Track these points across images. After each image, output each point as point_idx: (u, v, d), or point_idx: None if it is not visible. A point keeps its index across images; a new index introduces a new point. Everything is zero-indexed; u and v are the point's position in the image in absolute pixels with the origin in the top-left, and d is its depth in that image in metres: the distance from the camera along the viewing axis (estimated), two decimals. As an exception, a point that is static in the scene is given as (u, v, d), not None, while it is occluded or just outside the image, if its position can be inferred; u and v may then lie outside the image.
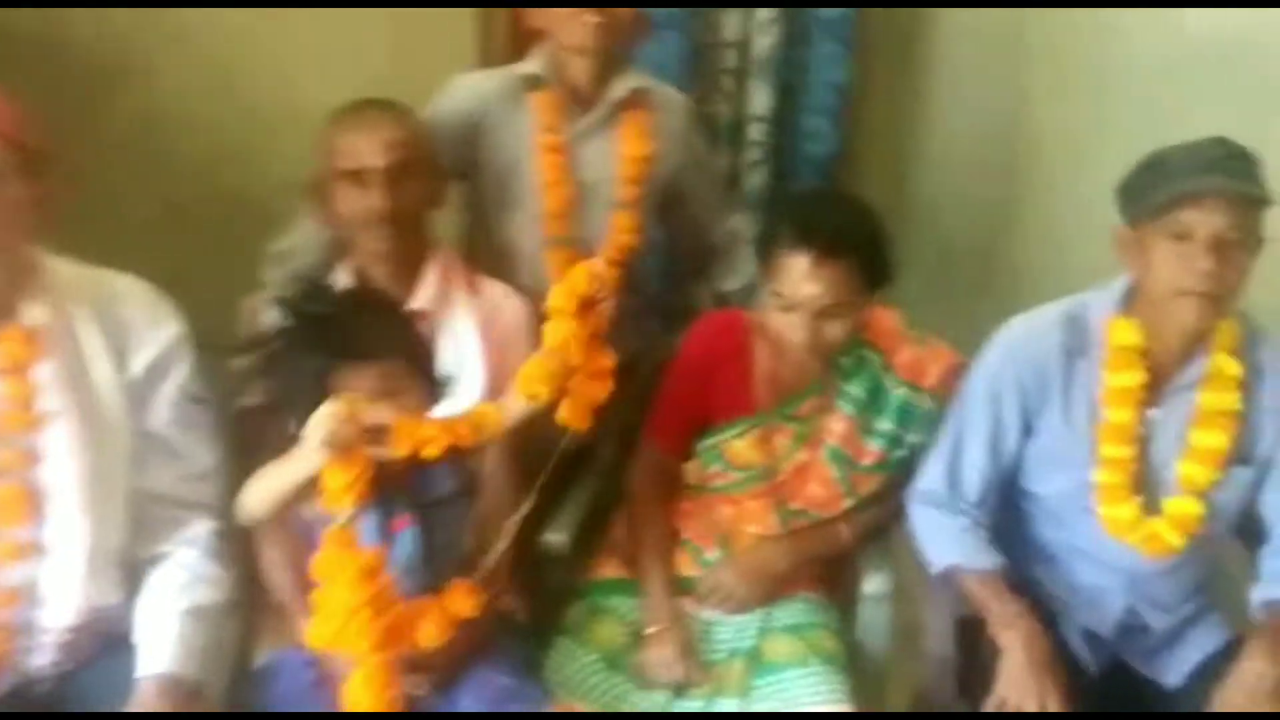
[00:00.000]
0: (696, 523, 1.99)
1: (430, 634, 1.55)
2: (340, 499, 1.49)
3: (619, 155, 2.08)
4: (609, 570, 1.97)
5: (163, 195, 2.54)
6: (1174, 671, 1.83)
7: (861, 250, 1.79)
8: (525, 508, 1.67)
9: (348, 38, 2.53)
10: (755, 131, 2.78)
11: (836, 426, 1.92)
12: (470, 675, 1.62)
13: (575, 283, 1.57)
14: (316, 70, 2.48)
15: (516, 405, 1.60)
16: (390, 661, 1.50)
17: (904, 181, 3.24)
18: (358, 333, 1.57)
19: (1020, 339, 1.83)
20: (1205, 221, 1.63)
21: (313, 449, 1.47)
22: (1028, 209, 2.81)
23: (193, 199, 2.55)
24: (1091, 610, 1.86)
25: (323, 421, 1.46)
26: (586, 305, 1.57)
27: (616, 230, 2.09)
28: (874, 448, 1.93)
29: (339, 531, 1.49)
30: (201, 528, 1.66)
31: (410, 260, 1.89)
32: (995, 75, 2.84)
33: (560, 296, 1.57)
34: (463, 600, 1.59)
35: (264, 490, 1.56)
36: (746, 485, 1.95)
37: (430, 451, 1.52)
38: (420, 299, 1.88)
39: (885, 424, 1.93)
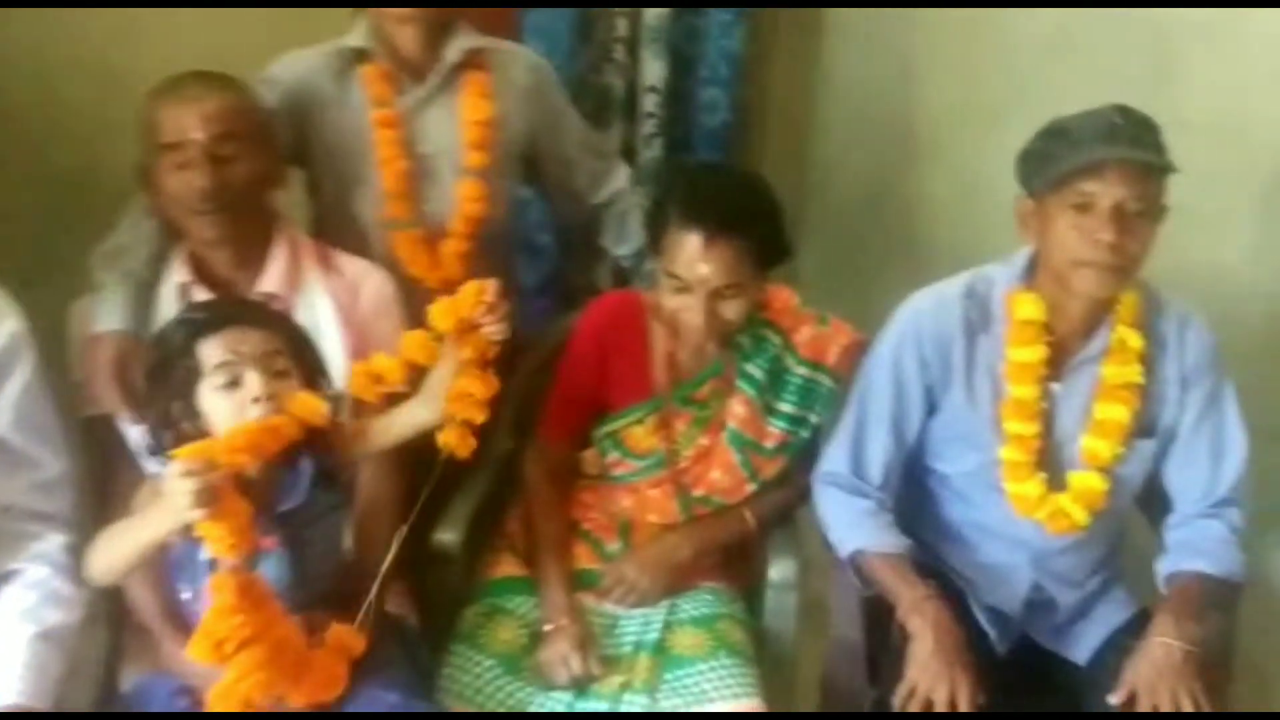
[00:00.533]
0: (596, 514, 1.91)
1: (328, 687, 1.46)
2: (230, 550, 1.36)
3: (460, 121, 1.97)
4: (505, 569, 1.87)
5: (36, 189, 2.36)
6: (1082, 647, 1.81)
7: (755, 228, 1.72)
8: (411, 518, 1.57)
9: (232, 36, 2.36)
10: (649, 103, 2.69)
11: (737, 409, 1.86)
12: (357, 692, 1.51)
13: (459, 303, 1.48)
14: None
15: (421, 414, 1.52)
16: (261, 681, 1.39)
17: (804, 153, 3.19)
18: (241, 306, 1.49)
19: (922, 315, 1.78)
20: (1106, 192, 1.59)
21: (179, 509, 1.34)
22: (930, 180, 2.77)
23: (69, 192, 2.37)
24: (998, 588, 1.82)
25: (181, 481, 1.33)
26: (468, 328, 1.48)
27: (464, 200, 1.97)
28: (776, 430, 1.87)
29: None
30: (53, 542, 1.54)
31: (252, 244, 1.75)
32: (895, 45, 2.79)
33: (440, 315, 1.47)
34: (347, 642, 1.50)
35: (115, 554, 1.45)
36: (647, 473, 1.87)
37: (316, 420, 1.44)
38: (267, 282, 1.75)
39: (787, 405, 1.87)
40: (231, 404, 1.45)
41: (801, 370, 1.86)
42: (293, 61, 1.96)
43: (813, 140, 3.14)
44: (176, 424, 1.46)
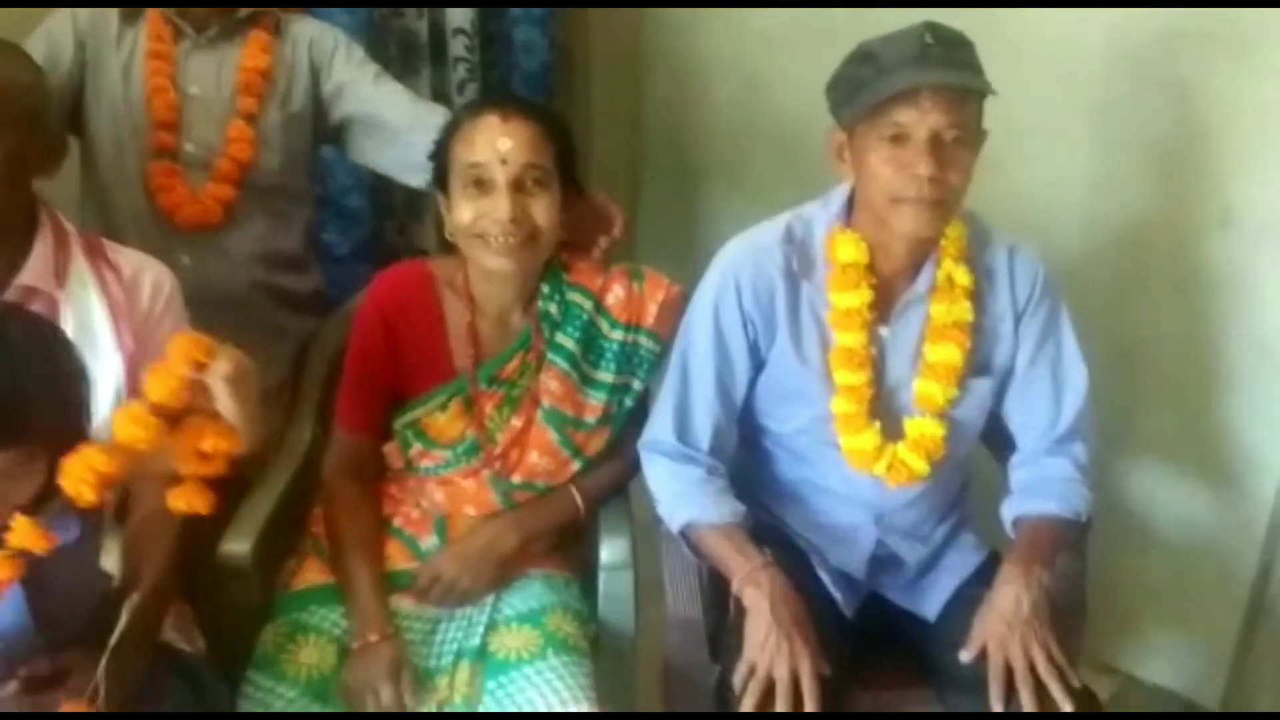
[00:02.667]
0: (407, 508, 1.74)
1: None
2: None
3: (236, 67, 1.94)
4: (308, 577, 1.68)
5: None
6: (932, 601, 1.71)
7: (551, 119, 1.65)
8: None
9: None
10: (458, 46, 2.50)
11: (551, 385, 1.70)
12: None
13: (170, 366, 1.29)
14: None
15: None
16: None
17: (637, 91, 3.03)
18: None
19: (740, 266, 1.64)
20: (921, 121, 1.47)
21: None
22: (763, 112, 2.64)
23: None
24: (841, 549, 1.72)
25: None
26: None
27: (231, 141, 1.93)
28: (596, 402, 1.73)
29: None
30: None
31: (10, 232, 1.53)
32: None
33: (153, 385, 1.29)
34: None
35: None
36: (457, 463, 1.71)
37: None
38: (29, 275, 1.53)
39: (605, 374, 1.73)
40: None
41: (617, 334, 1.72)
42: (78, 12, 1.91)
43: (646, 77, 2.99)
44: None
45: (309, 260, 2.13)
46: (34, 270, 1.54)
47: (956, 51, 1.50)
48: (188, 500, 1.32)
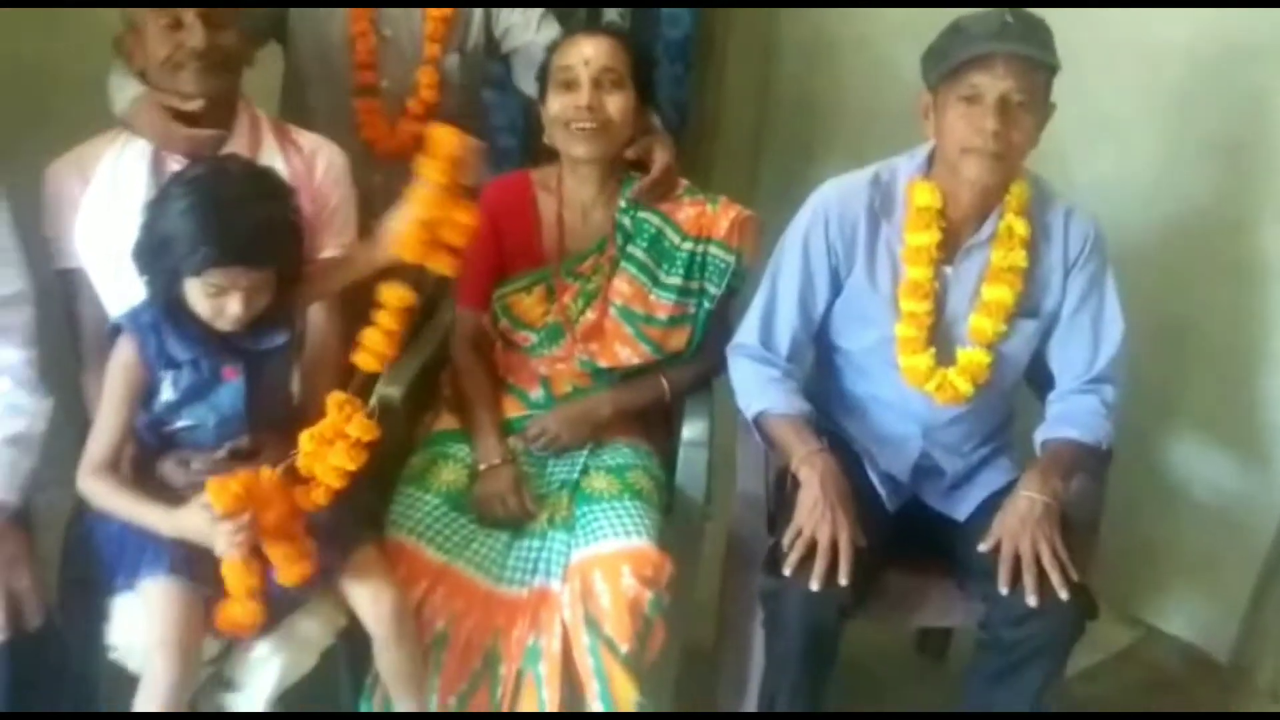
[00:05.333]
0: (518, 370, 2.08)
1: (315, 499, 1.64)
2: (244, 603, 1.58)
3: (424, 14, 2.24)
4: (444, 423, 2.05)
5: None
6: (963, 507, 1.99)
7: (625, 38, 1.99)
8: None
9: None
10: (611, 13, 2.80)
11: (621, 286, 2.03)
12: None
13: (443, 148, 1.62)
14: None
15: (379, 255, 1.69)
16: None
17: (765, 71, 3.32)
18: (237, 232, 1.57)
19: (830, 201, 1.93)
20: (993, 84, 1.74)
21: (186, 528, 1.55)
22: (882, 95, 2.89)
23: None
24: (891, 456, 2.00)
25: (217, 531, 1.52)
26: (455, 168, 1.64)
27: (422, 86, 2.24)
28: (666, 301, 2.03)
29: None
30: (14, 356, 1.70)
31: (222, 109, 1.88)
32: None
33: (430, 168, 1.63)
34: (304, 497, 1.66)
35: (110, 506, 1.63)
36: (544, 347, 2.04)
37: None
38: (233, 145, 1.89)
39: (674, 278, 2.03)
40: (210, 307, 1.60)
41: (686, 245, 2.03)
42: None
43: (778, 54, 3.27)
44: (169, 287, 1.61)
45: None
46: (236, 142, 1.89)
47: (1032, 31, 1.76)
48: (441, 259, 1.66)
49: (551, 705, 1.80)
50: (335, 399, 1.63)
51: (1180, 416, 2.44)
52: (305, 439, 1.61)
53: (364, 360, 1.70)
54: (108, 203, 1.81)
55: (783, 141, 3.25)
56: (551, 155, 2.08)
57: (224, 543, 1.54)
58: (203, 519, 1.53)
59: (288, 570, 1.59)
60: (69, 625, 1.63)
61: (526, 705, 1.82)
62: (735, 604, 2.01)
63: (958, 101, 1.77)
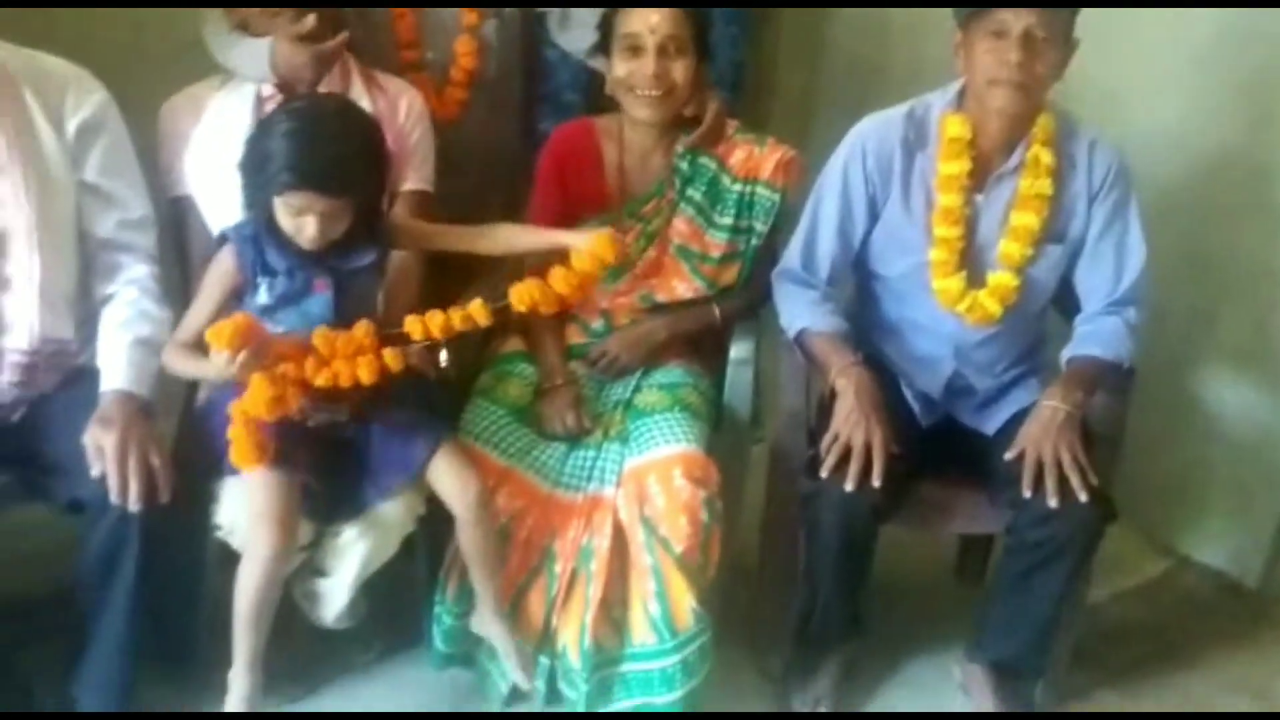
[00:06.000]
0: (582, 304, 2.22)
1: (364, 373, 1.80)
2: (267, 410, 1.73)
3: None
4: (511, 345, 2.24)
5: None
6: (992, 422, 2.13)
7: (692, 11, 2.09)
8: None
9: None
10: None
11: (680, 226, 2.19)
12: (383, 411, 1.88)
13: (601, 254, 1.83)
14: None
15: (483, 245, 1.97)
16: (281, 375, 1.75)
17: (817, 34, 3.46)
18: (324, 159, 1.74)
19: (868, 135, 2.08)
20: (1018, 19, 1.87)
21: (224, 369, 1.71)
22: (929, 45, 3.01)
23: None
24: (925, 375, 2.14)
25: (233, 352, 1.68)
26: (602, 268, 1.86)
27: (462, 53, 2.35)
28: (720, 240, 2.20)
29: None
30: (141, 270, 1.93)
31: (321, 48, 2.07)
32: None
33: (585, 260, 1.83)
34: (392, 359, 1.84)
35: (179, 369, 1.86)
36: (609, 282, 2.20)
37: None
38: (326, 84, 2.09)
39: (726, 218, 2.19)
40: (290, 225, 1.79)
41: (736, 187, 2.19)
42: None
43: (827, 18, 3.41)
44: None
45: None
46: (328, 84, 2.09)
47: (1059, -30, 1.90)
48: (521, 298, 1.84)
49: (596, 601, 1.97)
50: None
51: (1211, 349, 2.54)
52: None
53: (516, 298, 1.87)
54: (215, 138, 2.03)
55: (834, 100, 3.38)
56: (612, 103, 2.23)
57: (230, 370, 1.70)
58: (219, 359, 1.71)
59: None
60: (181, 506, 1.83)
61: (576, 602, 2.00)
62: (778, 514, 2.17)
63: (985, 36, 1.90)
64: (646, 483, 1.98)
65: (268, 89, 2.07)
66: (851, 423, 1.95)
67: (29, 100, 1.83)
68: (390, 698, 2.14)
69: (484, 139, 2.44)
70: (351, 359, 1.79)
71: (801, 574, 2.07)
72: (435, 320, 1.81)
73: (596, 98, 3.09)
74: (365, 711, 2.10)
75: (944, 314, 2.07)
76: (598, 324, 2.24)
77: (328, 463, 1.84)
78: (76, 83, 1.88)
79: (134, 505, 1.73)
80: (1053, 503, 1.90)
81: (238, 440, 1.77)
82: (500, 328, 2.28)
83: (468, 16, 2.36)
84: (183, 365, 1.87)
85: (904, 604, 2.43)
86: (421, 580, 2.07)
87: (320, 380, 1.78)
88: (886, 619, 2.30)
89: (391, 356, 1.81)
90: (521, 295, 1.84)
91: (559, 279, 1.83)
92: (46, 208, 1.83)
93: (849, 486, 1.91)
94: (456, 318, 1.82)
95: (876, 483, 1.91)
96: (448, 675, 2.15)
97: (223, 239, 1.86)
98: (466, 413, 2.07)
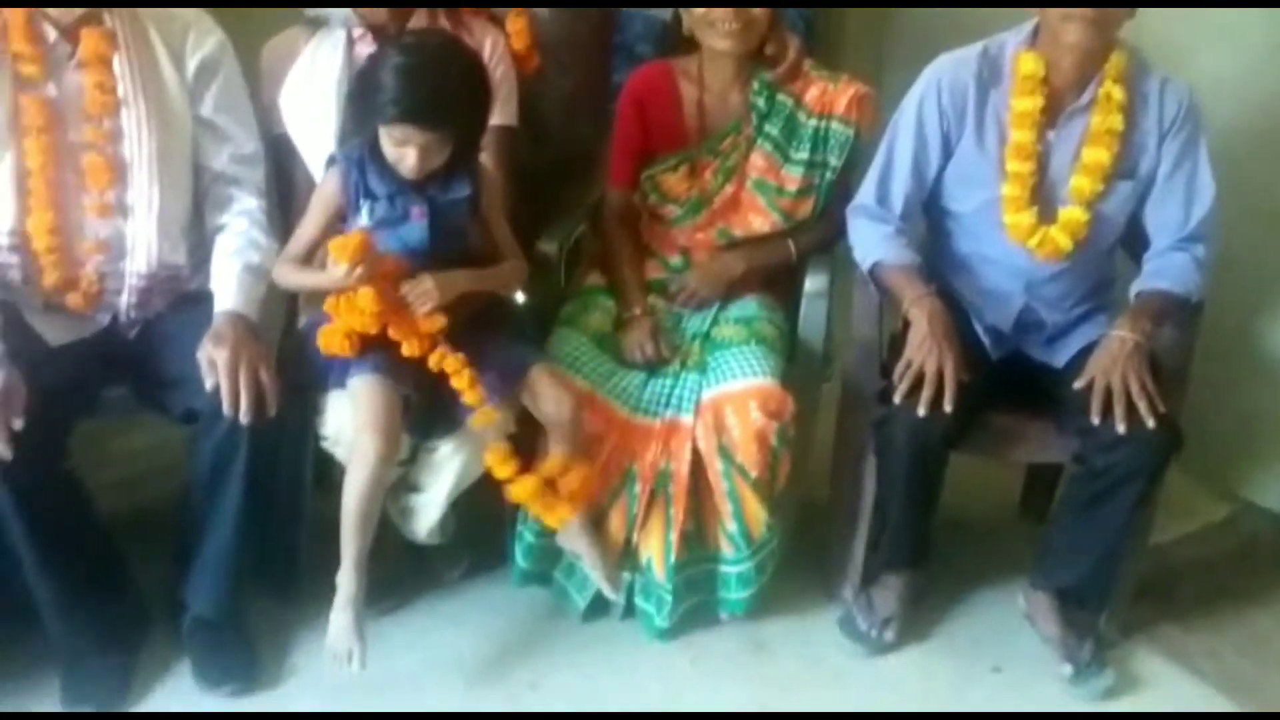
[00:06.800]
0: (661, 240, 2.35)
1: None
2: (372, 323, 1.86)
3: None
4: (592, 279, 2.33)
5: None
6: (1062, 355, 2.18)
7: None
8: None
9: None
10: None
11: (757, 161, 2.26)
12: (482, 337, 1.98)
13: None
14: None
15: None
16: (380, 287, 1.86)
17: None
18: (425, 95, 1.84)
19: (943, 72, 2.13)
20: None
21: (338, 278, 1.84)
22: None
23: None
24: (996, 309, 2.20)
25: (351, 265, 1.81)
26: None
27: (512, 34, 2.34)
28: (795, 174, 2.27)
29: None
30: (251, 203, 2.06)
31: None
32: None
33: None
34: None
35: (290, 283, 2.00)
36: (688, 218, 2.28)
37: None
38: (415, 22, 2.18)
39: (801, 153, 2.26)
40: (393, 154, 1.89)
41: (812, 122, 2.26)
42: None
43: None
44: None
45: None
46: (418, 20, 2.18)
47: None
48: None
49: (678, 522, 2.08)
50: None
51: (1276, 297, 2.57)
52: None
53: None
54: (308, 78, 2.14)
55: (904, 39, 3.41)
56: (685, 51, 2.30)
57: (347, 281, 1.83)
58: (338, 271, 1.83)
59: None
60: (286, 419, 1.94)
61: (656, 521, 2.11)
62: (849, 444, 2.24)
63: (1062, -28, 1.95)
64: (724, 413, 2.07)
65: (358, 30, 2.16)
66: (925, 350, 2.01)
67: (153, 38, 1.95)
68: (473, 613, 2.25)
69: (558, 89, 2.52)
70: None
71: (873, 500, 2.15)
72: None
73: (669, 50, 3.18)
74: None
75: (1015, 249, 2.12)
76: (676, 259, 2.32)
77: (426, 379, 1.94)
78: (197, 23, 2.01)
79: (245, 417, 1.85)
80: (1121, 429, 1.95)
81: (331, 329, 1.89)
82: (579, 261, 2.39)
83: None
84: (297, 278, 1.99)
85: (969, 536, 2.50)
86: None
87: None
88: (952, 550, 2.37)
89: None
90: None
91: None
92: (166, 140, 1.95)
93: (921, 411, 1.98)
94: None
95: (948, 408, 1.98)
96: (526, 594, 2.26)
97: (331, 161, 1.96)
98: (551, 340, 2.17)
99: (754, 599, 2.17)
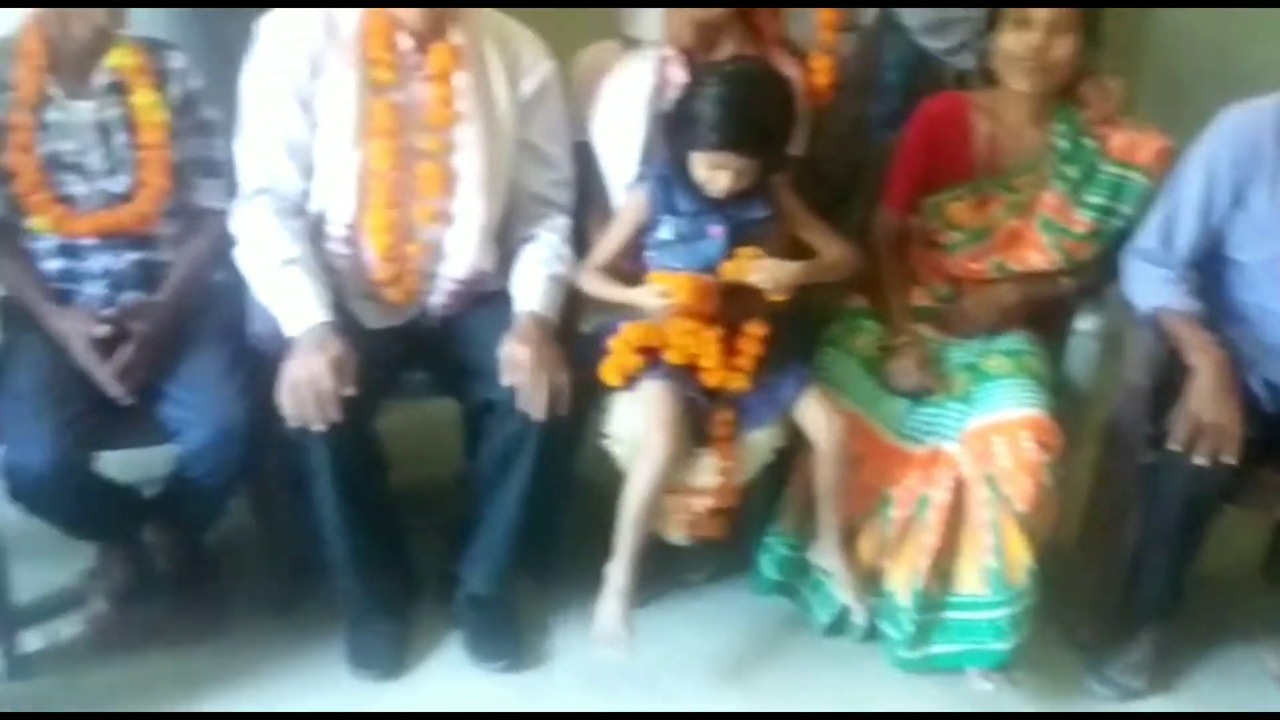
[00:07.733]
0: (929, 268, 2.36)
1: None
2: (678, 356, 1.99)
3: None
4: (855, 301, 2.37)
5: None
6: (1338, 409, 2.12)
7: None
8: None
9: None
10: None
11: (1050, 199, 2.24)
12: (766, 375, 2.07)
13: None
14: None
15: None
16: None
17: (1145, 23, 3.41)
18: (745, 124, 1.94)
19: (1238, 121, 2.10)
20: None
21: (650, 303, 1.99)
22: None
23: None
24: (1275, 363, 2.15)
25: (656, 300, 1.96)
26: None
27: (820, 28, 2.39)
28: (1085, 218, 2.24)
29: None
30: (559, 221, 2.17)
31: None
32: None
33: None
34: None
35: (596, 292, 2.11)
36: (965, 246, 2.29)
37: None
38: (720, 53, 2.24)
39: (1097, 198, 2.23)
40: (705, 176, 1.99)
41: (1112, 169, 2.23)
42: None
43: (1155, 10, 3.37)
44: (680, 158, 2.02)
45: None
46: (725, 50, 2.24)
47: None
48: None
49: (932, 550, 2.09)
50: None
51: None
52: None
53: None
54: (620, 93, 2.22)
55: (1164, 101, 3.33)
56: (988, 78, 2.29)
57: (656, 306, 1.99)
58: (650, 296, 1.98)
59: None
60: (572, 415, 2.05)
61: (910, 548, 2.13)
62: (1110, 488, 2.23)
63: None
64: (991, 441, 2.08)
65: (669, 52, 2.26)
66: (1208, 400, 1.99)
67: (491, 58, 2.06)
68: (714, 616, 2.34)
69: (840, 119, 2.51)
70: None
71: (1133, 545, 2.13)
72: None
73: (918, 79, 3.18)
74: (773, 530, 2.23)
75: (1300, 304, 2.08)
76: (943, 289, 2.34)
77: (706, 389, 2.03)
78: (531, 48, 2.12)
79: (539, 414, 1.96)
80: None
81: (615, 358, 2.01)
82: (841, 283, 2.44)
83: (822, 35, 2.39)
84: (602, 289, 2.10)
85: (1212, 594, 2.44)
86: (758, 510, 2.24)
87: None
88: (1197, 603, 2.33)
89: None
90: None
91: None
92: (494, 157, 2.07)
93: (1201, 460, 1.96)
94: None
95: (1231, 460, 1.95)
96: (768, 603, 2.32)
97: (640, 178, 2.07)
98: (820, 360, 2.22)
99: (1014, 655, 2.10)
